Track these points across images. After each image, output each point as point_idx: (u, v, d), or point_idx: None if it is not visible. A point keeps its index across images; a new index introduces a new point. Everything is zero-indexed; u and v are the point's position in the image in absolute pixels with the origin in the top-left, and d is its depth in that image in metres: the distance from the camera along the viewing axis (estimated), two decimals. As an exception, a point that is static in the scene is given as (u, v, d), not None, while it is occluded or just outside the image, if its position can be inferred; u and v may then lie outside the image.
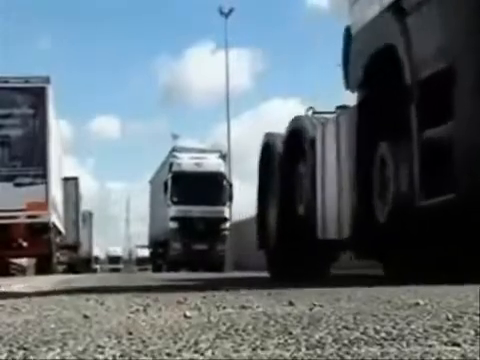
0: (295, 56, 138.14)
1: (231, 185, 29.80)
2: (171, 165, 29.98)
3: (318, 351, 2.37)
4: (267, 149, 11.76)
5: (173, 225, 28.99)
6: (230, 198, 29.57)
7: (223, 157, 30.85)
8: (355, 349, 2.39)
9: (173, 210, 29.08)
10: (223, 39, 38.30)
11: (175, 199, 29.08)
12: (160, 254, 33.74)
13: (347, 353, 2.31)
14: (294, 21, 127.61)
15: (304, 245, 9.95)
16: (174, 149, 31.93)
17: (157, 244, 35.05)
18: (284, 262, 10.70)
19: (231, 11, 37.58)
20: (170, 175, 29.52)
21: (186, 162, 29.74)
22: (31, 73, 20.10)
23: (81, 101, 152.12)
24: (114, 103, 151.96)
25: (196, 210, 28.48)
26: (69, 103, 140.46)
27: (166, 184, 29.44)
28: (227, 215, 29.86)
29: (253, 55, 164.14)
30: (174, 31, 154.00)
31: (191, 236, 28.31)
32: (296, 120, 10.60)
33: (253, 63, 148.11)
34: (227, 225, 29.81)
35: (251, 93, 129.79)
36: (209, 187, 28.63)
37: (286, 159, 10.81)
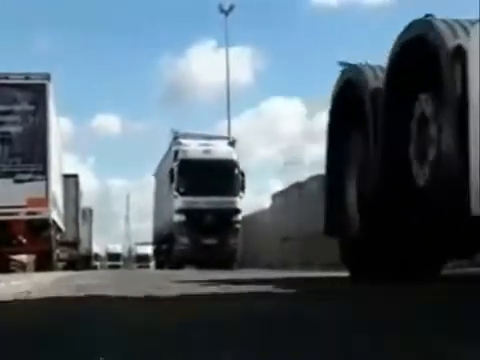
0: (297, 54, 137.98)
1: (243, 174, 27.07)
2: (176, 153, 27.37)
3: (318, 351, 2.36)
4: (348, 91, 8.33)
5: (180, 218, 26.33)
6: (242, 188, 26.92)
7: (232, 144, 28.26)
8: (355, 349, 2.38)
9: (180, 201, 26.37)
10: (232, 37, 38.21)
11: (182, 189, 26.46)
12: (164, 250, 31.44)
13: (346, 353, 2.30)
14: (298, 19, 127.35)
15: (429, 226, 6.61)
16: (177, 135, 28.86)
17: (161, 240, 32.88)
18: (380, 254, 7.35)
19: (231, 8, 37.58)
20: (176, 163, 26.85)
21: (193, 149, 27.16)
22: (33, 70, 19.92)
23: (83, 99, 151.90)
24: (116, 100, 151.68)
25: (205, 201, 25.99)
26: (71, 100, 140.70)
27: (172, 173, 26.91)
28: (239, 206, 26.96)
29: (255, 53, 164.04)
30: (176, 29, 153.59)
31: (199, 230, 25.79)
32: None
33: (255, 61, 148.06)
34: (239, 217, 26.84)
35: (252, 91, 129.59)
36: (219, 176, 26.23)
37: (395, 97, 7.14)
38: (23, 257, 23.30)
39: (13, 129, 19.32)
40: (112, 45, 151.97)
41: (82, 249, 39.65)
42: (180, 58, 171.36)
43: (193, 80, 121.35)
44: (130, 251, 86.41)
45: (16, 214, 18.91)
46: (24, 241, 19.27)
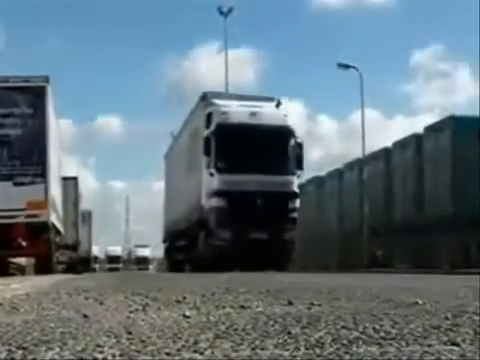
0: (299, 56, 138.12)
1: (301, 146, 20.87)
2: (210, 116, 20.78)
3: (317, 351, 2.37)
4: None
5: (217, 203, 19.86)
6: (300, 164, 20.73)
7: (278, 107, 21.89)
8: (354, 349, 2.39)
9: (217, 181, 19.94)
10: (228, 38, 38.26)
11: (221, 165, 19.99)
12: (184, 248, 24.56)
13: (346, 353, 2.31)
14: (300, 20, 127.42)
15: None
16: (206, 96, 22.15)
17: (178, 234, 26.11)
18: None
19: (230, 10, 37.62)
20: (211, 130, 20.29)
21: (236, 110, 20.63)
22: (35, 71, 20.01)
23: (86, 100, 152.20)
24: (118, 102, 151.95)
25: (252, 181, 19.76)
26: (74, 102, 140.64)
27: (206, 143, 20.25)
28: (297, 189, 20.78)
29: (258, 55, 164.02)
30: (180, 31, 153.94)
31: (245, 219, 19.48)
32: None
33: (258, 63, 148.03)
34: (297, 204, 20.57)
35: (254, 92, 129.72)
36: (271, 148, 20.23)
37: None
38: (22, 260, 23.27)
39: (12, 132, 19.30)
40: (117, 47, 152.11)
41: (81, 252, 39.64)
42: (184, 60, 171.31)
43: (196, 82, 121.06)
44: (129, 253, 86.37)
45: (15, 217, 18.89)
46: (23, 244, 19.25)
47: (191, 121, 24.61)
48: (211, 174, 20.10)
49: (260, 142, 20.06)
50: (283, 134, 20.42)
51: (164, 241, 32.51)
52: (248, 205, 19.50)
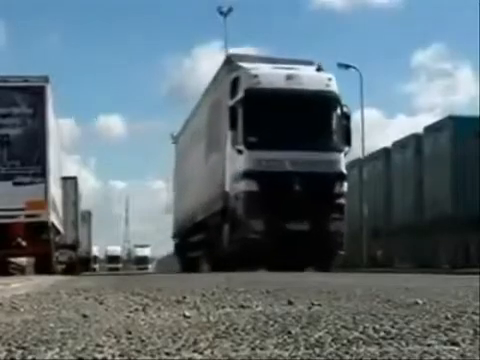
0: (300, 56, 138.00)
1: (349, 117, 17.31)
2: (237, 81, 17.19)
3: (317, 351, 2.37)
4: None
5: (247, 186, 16.25)
6: (348, 139, 17.15)
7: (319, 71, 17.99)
8: (354, 349, 2.39)
9: (247, 159, 16.37)
10: (231, 37, 38.17)
11: (251, 139, 16.42)
12: (201, 243, 21.00)
13: (346, 353, 2.31)
14: (303, 20, 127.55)
15: None
16: (230, 59, 18.78)
17: (193, 228, 22.14)
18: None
19: (230, 10, 37.63)
20: (240, 97, 16.78)
21: (269, 72, 17.11)
22: (36, 71, 20.11)
23: (88, 99, 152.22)
24: (120, 101, 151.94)
25: (290, 159, 16.39)
26: (76, 101, 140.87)
27: (234, 113, 16.71)
28: (344, 169, 17.22)
29: (259, 53, 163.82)
30: (182, 30, 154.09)
31: (281, 207, 16.08)
32: None
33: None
34: (345, 187, 17.05)
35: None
36: (313, 118, 16.79)
37: None
38: (22, 260, 23.26)
39: (12, 132, 19.30)
40: (119, 46, 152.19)
41: (81, 252, 39.63)
42: (186, 59, 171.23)
43: (198, 81, 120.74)
44: (129, 253, 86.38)
45: (15, 217, 18.89)
46: (23, 244, 19.24)
47: (211, 91, 20.55)
48: (239, 151, 16.50)
49: (299, 111, 16.58)
50: (327, 101, 16.81)
51: (174, 237, 28.48)
52: (285, 189, 16.01)
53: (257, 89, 16.71)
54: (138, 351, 2.43)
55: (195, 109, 24.11)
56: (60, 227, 25.20)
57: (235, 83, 17.31)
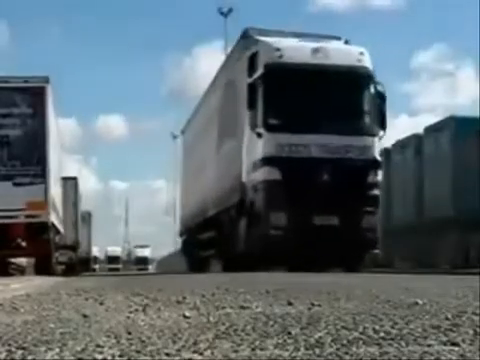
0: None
1: (384, 96, 15.32)
2: (256, 57, 15.30)
3: (317, 351, 2.37)
4: None
5: (268, 174, 14.38)
6: (382, 121, 15.15)
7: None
8: (354, 349, 2.39)
9: (268, 143, 14.52)
10: (231, 38, 38.19)
11: (272, 121, 14.56)
12: (212, 241, 19.13)
13: (346, 353, 2.31)
14: (303, 21, 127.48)
15: None
16: (248, 33, 16.51)
17: (203, 224, 20.41)
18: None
19: (230, 11, 37.69)
20: (260, 73, 14.93)
21: (292, 45, 15.22)
22: (38, 73, 20.05)
23: (89, 99, 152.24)
24: (121, 100, 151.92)
25: (317, 144, 14.53)
26: (77, 101, 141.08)
27: (252, 91, 14.81)
28: (378, 156, 15.35)
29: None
30: (184, 29, 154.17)
31: (308, 198, 14.16)
32: None
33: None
34: (379, 176, 15.42)
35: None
36: (343, 97, 14.93)
37: None
38: (22, 260, 23.27)
39: (12, 132, 19.30)
40: (115, 45, 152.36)
41: (81, 252, 39.63)
42: (188, 58, 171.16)
43: (200, 80, 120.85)
44: (129, 254, 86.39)
45: (15, 217, 18.89)
46: (23, 244, 19.25)
47: (225, 71, 18.61)
48: (258, 135, 14.55)
49: (327, 89, 14.72)
50: (359, 78, 14.90)
51: (181, 234, 26.07)
52: (311, 178, 14.21)
53: (279, 63, 14.72)
54: (138, 351, 2.43)
55: (205, 95, 21.95)
56: (60, 227, 25.20)
57: (254, 59, 15.31)
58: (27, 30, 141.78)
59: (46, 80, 19.71)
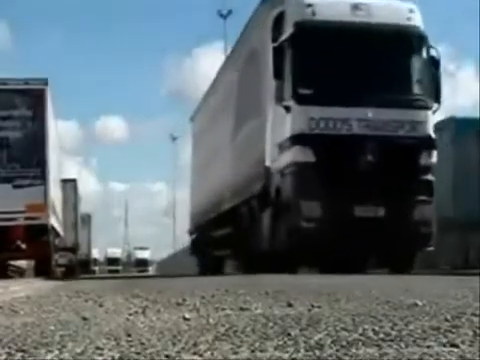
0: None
1: (438, 61, 12.98)
2: (283, 17, 13.11)
3: (317, 352, 2.37)
4: None
5: (299, 156, 12.16)
6: (437, 92, 12.91)
7: None
8: (354, 350, 2.39)
9: (299, 117, 12.27)
10: (231, 38, 38.11)
11: (304, 90, 12.26)
12: (228, 238, 16.88)
13: (346, 354, 2.31)
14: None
15: None
16: None
17: (217, 220, 18.16)
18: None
19: (230, 13, 37.74)
20: (289, 34, 12.71)
21: (328, 2, 12.86)
22: (37, 73, 20.12)
23: (90, 101, 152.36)
24: (121, 103, 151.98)
25: (359, 118, 12.28)
26: (78, 102, 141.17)
27: (279, 56, 12.51)
28: (432, 132, 13.24)
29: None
30: (184, 30, 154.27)
31: (347, 185, 12.01)
32: None
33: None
34: (434, 158, 13.41)
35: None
36: (389, 63, 12.68)
37: None
38: (22, 263, 23.26)
39: (12, 134, 19.31)
40: (116, 45, 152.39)
41: (81, 254, 39.63)
42: (188, 60, 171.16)
43: (200, 82, 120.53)
44: (129, 256, 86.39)
45: (15, 219, 18.89)
46: (23, 246, 19.24)
47: (244, 41, 16.15)
48: (286, 109, 12.28)
49: (370, 53, 12.48)
50: (409, 40, 12.66)
51: (191, 233, 23.66)
52: (352, 159, 11.96)
53: (311, 22, 12.40)
54: (138, 353, 2.43)
55: (219, 74, 19.59)
56: (60, 230, 25.18)
57: (280, 20, 12.97)
58: (28, 32, 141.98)
59: (45, 82, 19.72)
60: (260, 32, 14.34)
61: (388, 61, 12.69)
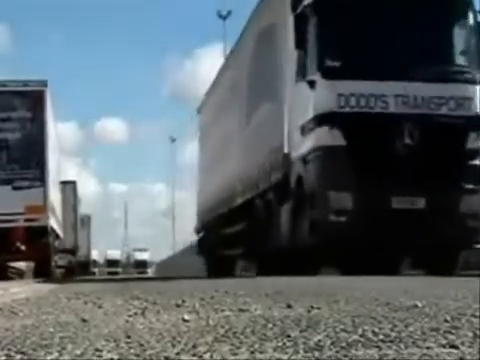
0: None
1: None
2: None
3: (316, 354, 2.37)
4: None
5: (327, 137, 10.62)
6: None
7: None
8: (353, 351, 2.39)
9: (327, 93, 10.78)
10: (231, 40, 38.09)
11: (332, 62, 10.72)
12: (241, 236, 15.47)
13: (345, 356, 2.31)
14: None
15: None
16: None
17: (228, 216, 16.75)
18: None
19: (229, 14, 37.78)
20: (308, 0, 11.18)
21: None
22: (37, 74, 20.17)
23: (89, 102, 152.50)
24: (122, 104, 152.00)
25: (397, 93, 10.74)
26: (78, 104, 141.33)
27: (302, 25, 11.08)
28: None
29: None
30: (184, 32, 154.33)
31: (383, 172, 10.59)
32: None
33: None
34: None
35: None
36: (431, 31, 11.14)
37: None
38: (22, 264, 23.26)
39: (11, 136, 19.32)
40: (116, 46, 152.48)
41: (80, 256, 39.66)
42: (188, 61, 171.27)
43: (200, 83, 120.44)
44: (128, 257, 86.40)
45: (14, 221, 18.89)
46: (22, 248, 19.25)
47: (259, 17, 14.55)
48: (310, 84, 10.67)
49: (409, 18, 10.82)
50: (453, 3, 11.20)
51: (198, 231, 22.05)
52: (388, 142, 10.44)
53: None
54: (137, 355, 2.43)
55: (228, 59, 18.36)
56: (59, 231, 25.18)
57: None
58: (28, 33, 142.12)
59: (44, 84, 19.73)
60: (277, 2, 12.97)
61: (430, 28, 11.00)
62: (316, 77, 10.69)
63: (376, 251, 10.64)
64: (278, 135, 12.21)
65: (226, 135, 17.47)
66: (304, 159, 10.98)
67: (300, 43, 10.93)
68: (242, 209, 14.94)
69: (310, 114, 10.81)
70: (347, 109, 10.52)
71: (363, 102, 10.53)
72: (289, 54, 11.55)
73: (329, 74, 10.60)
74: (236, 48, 17.18)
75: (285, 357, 2.32)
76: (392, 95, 10.59)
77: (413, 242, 10.64)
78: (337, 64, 10.60)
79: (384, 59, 10.69)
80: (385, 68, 10.67)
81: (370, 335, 2.75)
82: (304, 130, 11.07)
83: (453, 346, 2.46)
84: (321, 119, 10.57)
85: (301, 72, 11.10)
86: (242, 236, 15.17)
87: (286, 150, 11.78)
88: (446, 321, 3.17)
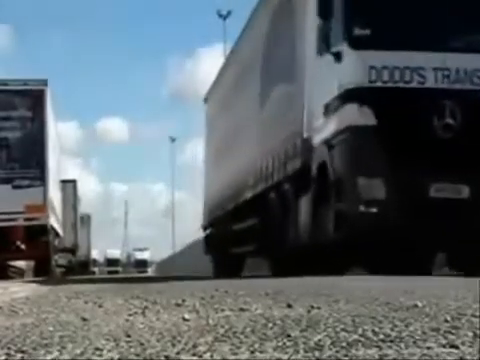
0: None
1: None
2: None
3: (316, 354, 2.37)
4: None
5: (356, 117, 9.08)
6: None
7: None
8: (353, 351, 2.39)
9: (355, 65, 9.35)
10: (231, 40, 38.04)
11: (362, 31, 9.32)
12: (253, 232, 14.08)
13: (345, 355, 2.31)
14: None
15: None
16: None
17: (238, 210, 15.50)
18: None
19: (229, 13, 37.79)
20: None
21: None
22: (38, 74, 20.20)
23: (90, 101, 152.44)
24: (122, 105, 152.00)
25: (434, 66, 9.27)
26: (79, 103, 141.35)
27: None
28: None
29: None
30: (185, 32, 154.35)
31: (420, 157, 9.15)
32: None
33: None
34: None
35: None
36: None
37: None
38: (22, 263, 23.27)
39: (11, 135, 19.33)
40: (116, 46, 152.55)
41: (80, 255, 39.66)
42: (190, 61, 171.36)
43: (201, 83, 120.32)
44: (128, 257, 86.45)
45: (14, 220, 18.91)
46: (22, 247, 19.26)
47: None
48: (336, 56, 9.44)
49: None
50: None
51: (205, 228, 20.62)
52: (426, 122, 9.18)
53: None
54: (137, 355, 2.43)
55: (239, 40, 16.73)
56: (59, 230, 25.19)
57: None
58: (30, 33, 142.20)
59: (45, 83, 19.74)
60: None
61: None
62: (343, 48, 9.36)
63: (411, 248, 9.54)
64: (296, 118, 10.87)
65: (236, 123, 16.08)
66: (328, 143, 9.55)
67: (324, 10, 9.60)
68: (254, 202, 13.70)
69: (336, 91, 9.44)
70: (379, 84, 9.22)
71: (397, 76, 9.23)
72: (310, 24, 10.27)
73: (358, 44, 9.31)
74: (247, 26, 15.47)
75: (285, 357, 2.32)
76: (430, 68, 9.25)
77: (454, 237, 9.26)
78: (367, 32, 9.34)
79: (421, 27, 9.48)
80: (422, 37, 9.46)
81: (370, 335, 2.75)
82: (328, 110, 9.67)
83: (453, 346, 2.46)
84: (349, 96, 9.23)
85: (325, 43, 9.72)
86: (254, 232, 13.87)
87: (306, 135, 10.43)
88: (446, 321, 3.17)
